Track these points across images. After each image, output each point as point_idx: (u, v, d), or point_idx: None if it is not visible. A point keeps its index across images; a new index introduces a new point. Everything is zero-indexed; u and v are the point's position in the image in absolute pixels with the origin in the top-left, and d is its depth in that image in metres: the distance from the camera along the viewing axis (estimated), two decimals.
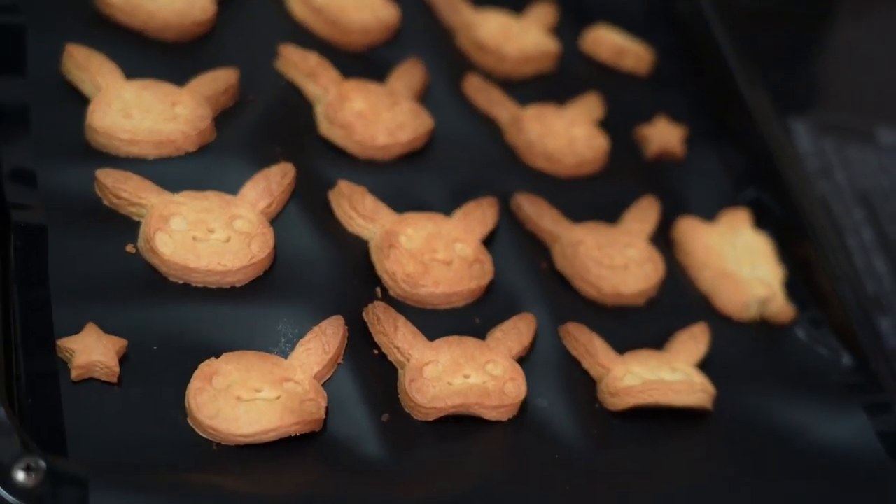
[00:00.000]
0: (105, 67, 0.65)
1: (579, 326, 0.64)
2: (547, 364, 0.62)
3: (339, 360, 0.58)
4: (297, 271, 0.61)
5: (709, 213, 0.73)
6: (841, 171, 0.83)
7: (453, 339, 0.60)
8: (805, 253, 0.72)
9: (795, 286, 0.70)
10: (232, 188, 0.62)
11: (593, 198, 0.71)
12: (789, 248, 0.72)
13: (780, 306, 0.69)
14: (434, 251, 0.63)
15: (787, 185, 0.74)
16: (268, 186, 0.63)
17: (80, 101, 0.64)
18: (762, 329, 0.68)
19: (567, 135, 0.72)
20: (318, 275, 0.61)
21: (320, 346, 0.58)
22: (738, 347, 0.67)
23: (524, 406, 0.60)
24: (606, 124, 0.75)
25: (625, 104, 0.77)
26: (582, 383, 0.62)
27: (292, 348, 0.58)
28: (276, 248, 0.61)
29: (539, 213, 0.68)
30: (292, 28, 0.72)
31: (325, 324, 0.59)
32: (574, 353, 0.63)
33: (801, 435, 0.64)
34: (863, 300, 0.73)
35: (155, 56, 0.67)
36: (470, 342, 0.60)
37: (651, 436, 0.61)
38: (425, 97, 0.72)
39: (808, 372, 0.67)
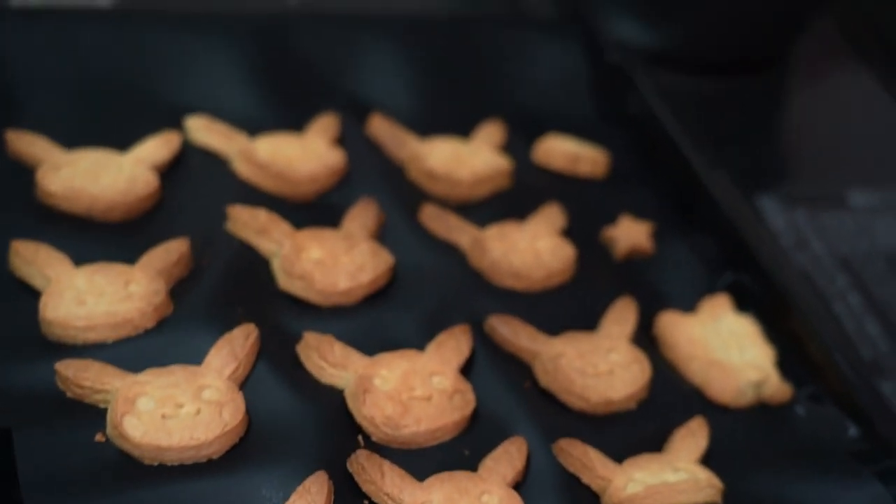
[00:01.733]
0: (52, 258, 0.64)
1: (572, 441, 0.62)
2: (545, 485, 0.60)
3: None
4: (274, 432, 0.60)
5: (688, 305, 0.72)
6: (817, 241, 0.82)
7: (444, 476, 0.59)
8: (792, 328, 0.70)
9: (788, 364, 0.69)
10: (196, 358, 0.61)
11: (567, 308, 0.70)
12: (775, 325, 0.71)
13: (775, 387, 0.68)
14: (411, 389, 0.62)
15: (762, 263, 0.73)
16: (232, 350, 0.62)
17: (32, 296, 0.64)
18: (761, 413, 0.67)
19: (531, 249, 0.72)
20: (296, 432, 0.60)
21: None
22: (739, 435, 0.65)
23: None
24: (570, 232, 0.75)
25: (586, 209, 0.77)
26: (584, 499, 0.60)
27: None
28: (248, 412, 0.60)
29: (514, 333, 0.67)
30: (239, 188, 0.72)
31: (308, 482, 0.57)
32: (571, 469, 0.61)
33: None
34: (859, 366, 0.70)
35: (103, 238, 0.67)
36: (461, 476, 0.59)
37: None
38: (382, 235, 0.72)
39: (814, 448, 0.65)
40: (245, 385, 0.61)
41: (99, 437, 0.58)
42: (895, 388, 0.73)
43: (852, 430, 0.66)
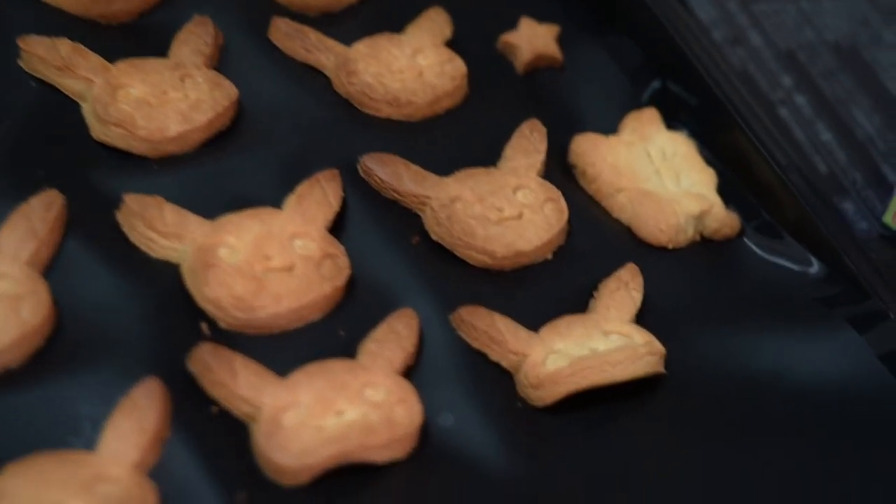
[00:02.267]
0: None
1: (475, 309, 0.55)
2: (443, 369, 0.54)
3: (166, 435, 0.49)
4: (90, 330, 0.52)
5: (609, 125, 0.65)
6: (755, 34, 0.73)
7: (314, 368, 0.51)
8: (735, 143, 0.64)
9: (733, 189, 0.63)
10: None
11: (461, 139, 0.62)
12: (714, 141, 0.65)
13: (720, 218, 0.61)
14: (267, 258, 0.54)
15: (694, 63, 0.66)
16: (30, 227, 0.53)
17: None
18: (705, 252, 0.61)
19: (412, 67, 0.63)
20: (119, 328, 0.52)
21: (134, 423, 0.49)
22: (681, 282, 0.59)
23: (424, 432, 0.51)
24: (459, 43, 0.66)
25: (477, 13, 0.68)
26: (494, 381, 0.54)
27: (100, 433, 0.48)
28: (56, 305, 0.52)
29: (395, 175, 0.59)
30: (33, 13, 0.62)
31: (135, 393, 0.49)
32: (475, 344, 0.55)
33: (784, 374, 0.56)
34: (818, 183, 0.64)
35: None
36: (337, 366, 0.51)
37: (599, 426, 0.53)
38: (222, 61, 0.63)
39: (773, 293, 0.60)
40: (50, 271, 0.53)
41: None
42: (858, 207, 0.64)
43: (815, 268, 0.61)
